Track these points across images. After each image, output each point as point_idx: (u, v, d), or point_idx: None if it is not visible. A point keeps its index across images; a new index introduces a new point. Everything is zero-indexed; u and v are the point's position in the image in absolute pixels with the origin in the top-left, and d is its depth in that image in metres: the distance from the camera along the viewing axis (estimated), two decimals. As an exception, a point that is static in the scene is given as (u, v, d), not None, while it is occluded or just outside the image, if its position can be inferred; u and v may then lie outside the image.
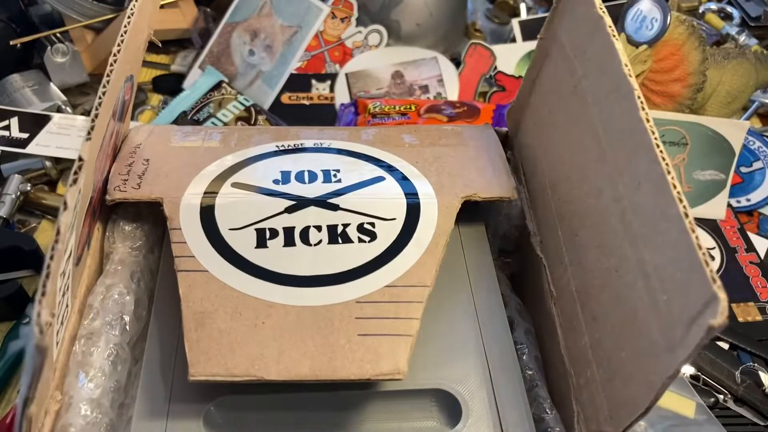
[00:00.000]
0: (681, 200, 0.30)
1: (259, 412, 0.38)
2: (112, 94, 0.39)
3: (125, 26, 0.40)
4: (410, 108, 0.72)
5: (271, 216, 0.41)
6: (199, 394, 0.36)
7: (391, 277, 0.39)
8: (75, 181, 0.33)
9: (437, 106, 0.73)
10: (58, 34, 0.78)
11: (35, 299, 0.28)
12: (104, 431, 0.34)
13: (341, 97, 0.80)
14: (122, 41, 0.39)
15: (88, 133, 0.35)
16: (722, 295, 0.26)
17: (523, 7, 0.91)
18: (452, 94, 0.80)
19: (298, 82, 0.81)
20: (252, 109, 0.75)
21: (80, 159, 0.34)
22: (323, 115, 0.78)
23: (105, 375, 0.36)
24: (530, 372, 0.41)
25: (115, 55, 0.38)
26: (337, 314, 0.37)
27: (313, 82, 0.81)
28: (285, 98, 0.79)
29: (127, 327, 0.38)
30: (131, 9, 0.40)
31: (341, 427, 0.38)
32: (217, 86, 0.76)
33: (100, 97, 0.37)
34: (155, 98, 0.81)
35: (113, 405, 0.36)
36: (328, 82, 0.81)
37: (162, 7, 0.82)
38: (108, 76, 0.37)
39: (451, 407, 0.38)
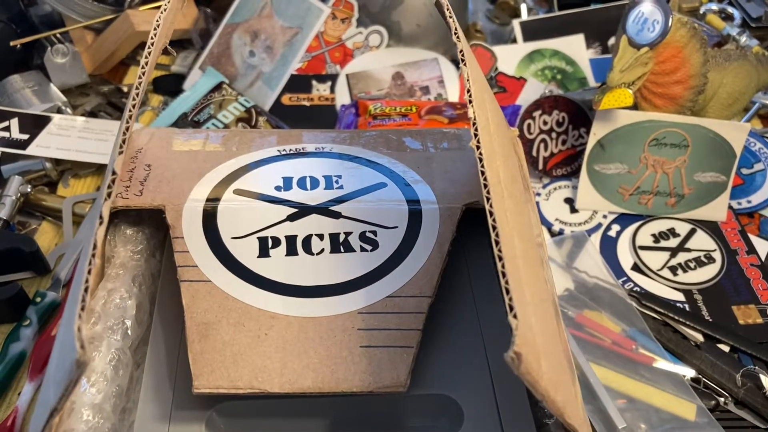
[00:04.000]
0: (494, 227, 0.30)
1: (261, 416, 0.38)
2: (138, 105, 0.39)
3: (152, 38, 0.40)
4: (411, 109, 0.72)
5: (274, 224, 0.41)
6: (201, 399, 0.36)
7: (392, 288, 0.39)
8: (109, 195, 0.33)
9: (438, 107, 0.73)
10: (58, 35, 0.78)
11: (74, 314, 0.28)
12: (106, 437, 0.34)
13: (342, 98, 0.80)
14: (149, 53, 0.39)
15: (120, 147, 0.35)
16: (513, 323, 0.26)
17: (523, 7, 0.91)
18: (453, 95, 0.80)
19: (299, 83, 0.80)
20: (252, 110, 0.75)
21: (114, 173, 0.34)
22: (324, 117, 0.78)
23: (107, 380, 0.36)
24: (532, 376, 0.41)
25: (143, 67, 0.38)
26: (340, 325, 0.37)
27: (314, 83, 0.81)
28: (285, 99, 0.79)
29: (129, 331, 0.38)
30: (157, 20, 0.40)
31: (341, 430, 0.38)
32: (218, 87, 0.76)
33: (130, 110, 0.37)
34: (155, 99, 0.81)
35: (115, 410, 0.36)
36: (329, 83, 0.81)
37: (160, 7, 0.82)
38: (137, 89, 0.37)
39: (453, 412, 0.38)
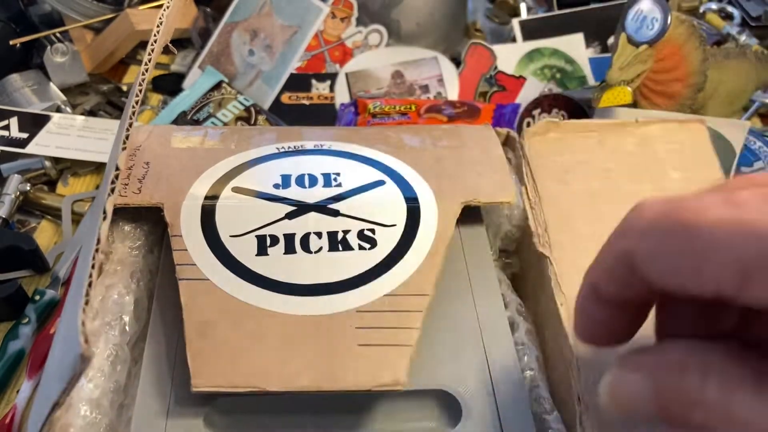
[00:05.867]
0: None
1: (259, 413, 0.38)
2: (141, 101, 0.39)
3: (155, 35, 0.40)
4: (410, 108, 0.72)
5: (272, 222, 0.41)
6: (199, 395, 0.36)
7: (391, 286, 0.39)
8: (113, 190, 0.33)
9: (437, 106, 0.73)
10: (58, 34, 0.78)
11: (77, 308, 0.28)
12: (104, 432, 0.34)
13: (341, 96, 0.80)
14: (152, 50, 0.39)
15: (123, 143, 0.35)
16: None
17: (523, 6, 0.91)
18: (452, 93, 0.80)
19: (298, 81, 0.80)
20: (252, 109, 0.75)
21: (117, 168, 0.34)
22: (323, 115, 0.78)
23: (105, 375, 0.36)
24: (531, 372, 0.41)
25: (146, 64, 0.38)
26: (338, 324, 0.37)
27: (313, 81, 0.81)
28: (285, 98, 0.79)
29: (127, 327, 0.38)
30: (160, 18, 0.40)
31: (341, 428, 0.38)
32: (217, 86, 0.76)
33: (133, 106, 0.37)
34: (155, 98, 0.81)
35: (113, 405, 0.36)
36: (328, 82, 0.81)
37: (161, 7, 0.82)
38: (140, 85, 0.37)
39: (451, 408, 0.38)
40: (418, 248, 0.41)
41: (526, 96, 0.79)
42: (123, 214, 0.43)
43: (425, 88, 0.80)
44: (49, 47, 0.76)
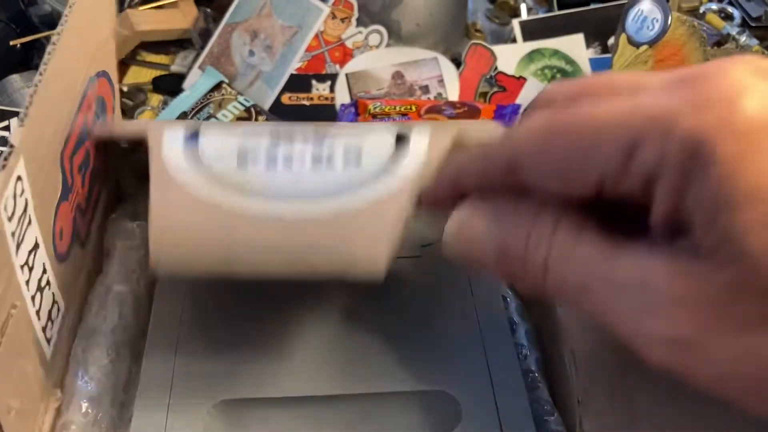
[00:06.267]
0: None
1: (259, 412, 0.38)
2: (55, 86, 0.39)
3: (62, 23, 0.40)
4: (411, 108, 0.72)
5: (256, 144, 0.39)
6: (199, 394, 0.36)
7: (372, 199, 0.37)
8: (4, 167, 0.32)
9: (438, 106, 0.73)
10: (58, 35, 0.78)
11: None
12: (104, 429, 0.34)
13: (341, 97, 0.80)
14: (60, 32, 0.39)
15: (21, 121, 0.35)
16: None
17: (523, 7, 0.91)
18: (453, 94, 0.80)
19: (299, 82, 0.80)
20: (252, 109, 0.75)
21: (11, 146, 0.34)
22: (323, 116, 0.78)
23: (105, 373, 0.36)
24: (531, 374, 0.41)
25: (54, 43, 0.38)
26: (315, 224, 0.36)
27: (314, 82, 0.81)
28: (285, 99, 0.79)
29: (127, 325, 0.38)
30: (70, 5, 0.40)
31: (340, 428, 0.38)
32: (217, 87, 0.76)
33: (35, 86, 0.37)
34: (155, 99, 0.81)
35: (113, 403, 0.36)
36: (329, 83, 0.81)
37: (161, 7, 0.82)
38: (45, 64, 0.37)
39: (450, 409, 0.38)
40: (402, 173, 0.38)
41: (526, 97, 0.79)
42: (122, 212, 0.43)
43: (425, 89, 0.80)
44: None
